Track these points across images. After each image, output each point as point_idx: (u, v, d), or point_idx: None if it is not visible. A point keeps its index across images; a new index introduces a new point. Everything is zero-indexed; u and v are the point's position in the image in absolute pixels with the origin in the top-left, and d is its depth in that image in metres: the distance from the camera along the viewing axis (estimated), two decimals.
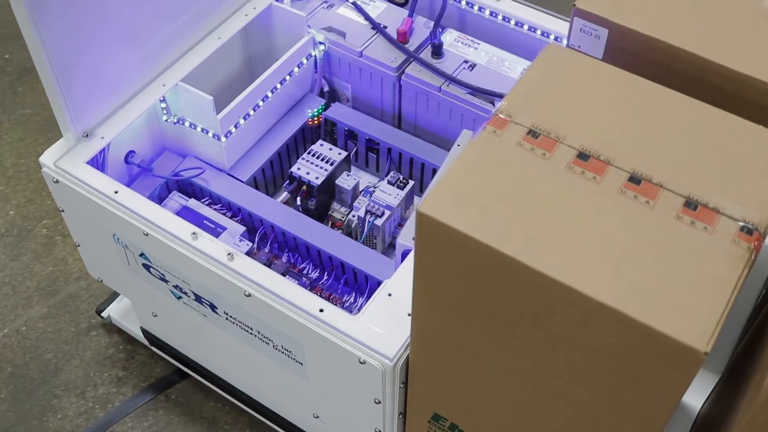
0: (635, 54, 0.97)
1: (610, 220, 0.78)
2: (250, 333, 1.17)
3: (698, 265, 0.75)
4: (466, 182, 0.81)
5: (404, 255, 1.14)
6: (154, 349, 1.51)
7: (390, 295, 1.06)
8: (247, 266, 1.09)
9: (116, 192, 1.17)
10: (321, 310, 1.04)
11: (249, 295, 1.08)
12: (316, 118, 1.47)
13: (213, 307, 1.19)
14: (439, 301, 0.88)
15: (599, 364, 0.79)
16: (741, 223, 0.77)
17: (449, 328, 0.90)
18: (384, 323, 1.03)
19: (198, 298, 1.20)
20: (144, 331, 1.49)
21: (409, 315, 1.03)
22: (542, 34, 1.37)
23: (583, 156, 0.82)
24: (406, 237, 1.15)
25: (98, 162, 1.24)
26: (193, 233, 1.12)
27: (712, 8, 0.97)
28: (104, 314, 1.58)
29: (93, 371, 1.58)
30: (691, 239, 0.76)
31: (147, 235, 1.15)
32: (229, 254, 1.10)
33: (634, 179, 0.81)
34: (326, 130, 1.49)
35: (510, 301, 0.81)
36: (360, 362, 1.02)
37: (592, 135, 0.84)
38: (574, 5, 0.98)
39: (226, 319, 1.19)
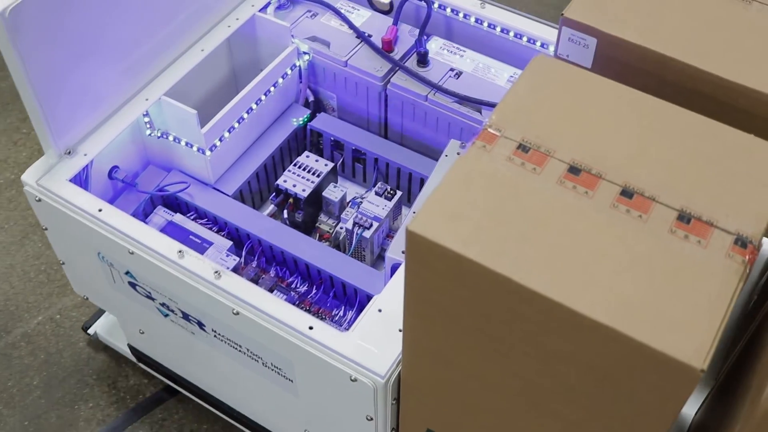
0: (625, 63, 0.96)
1: (603, 236, 0.77)
2: (239, 350, 1.15)
3: (693, 281, 0.74)
4: (457, 199, 0.79)
5: (394, 269, 1.13)
6: (141, 365, 1.49)
7: (380, 310, 1.04)
8: (235, 284, 1.07)
9: (100, 210, 1.15)
10: (311, 328, 1.03)
11: (237, 314, 1.07)
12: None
13: (201, 325, 1.17)
14: (431, 319, 0.86)
15: (594, 381, 0.78)
16: (735, 236, 0.76)
17: (441, 345, 0.89)
18: (375, 340, 1.02)
19: (185, 316, 1.18)
20: (131, 348, 1.47)
21: (400, 330, 1.01)
22: (528, 40, 1.36)
23: (574, 170, 0.81)
24: (395, 250, 1.14)
25: (81, 179, 1.22)
26: (180, 251, 1.10)
27: (703, 16, 0.96)
28: (90, 331, 1.56)
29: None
30: (685, 254, 0.75)
31: (132, 253, 1.13)
32: (216, 272, 1.08)
33: (627, 193, 0.79)
34: (312, 141, 1.47)
35: (503, 319, 0.79)
36: (351, 380, 1.00)
37: (582, 148, 0.83)
38: (562, 14, 0.97)
39: (215, 336, 1.17)
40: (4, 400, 1.55)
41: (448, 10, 1.42)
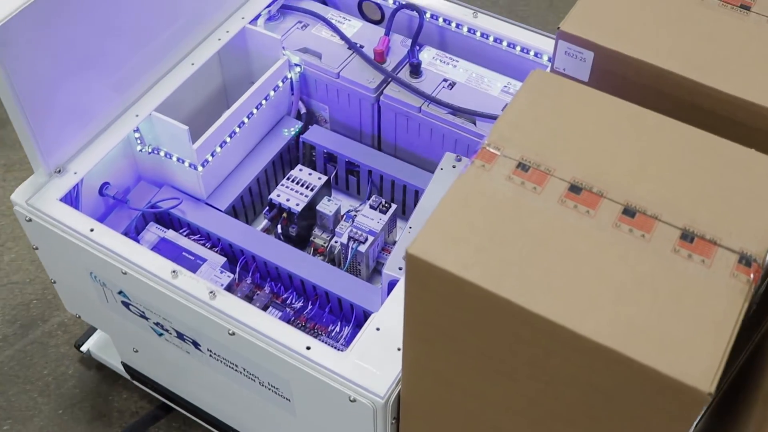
0: (623, 77, 0.95)
1: (606, 256, 0.76)
2: (235, 370, 1.14)
3: (698, 301, 0.73)
4: (457, 221, 0.78)
5: (391, 285, 1.12)
6: (136, 383, 1.47)
7: (378, 329, 1.03)
8: (230, 304, 1.06)
9: (92, 230, 1.14)
10: (308, 348, 1.02)
11: (233, 334, 1.05)
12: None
13: (196, 345, 1.16)
14: (432, 342, 0.85)
15: (599, 404, 0.77)
16: (739, 254, 0.75)
17: (442, 367, 0.87)
18: (373, 359, 1.00)
19: (180, 336, 1.17)
20: (125, 366, 1.45)
21: (398, 349, 1.00)
22: (522, 50, 1.35)
23: (575, 189, 0.80)
24: (392, 267, 1.13)
25: (72, 198, 1.21)
26: (173, 271, 1.09)
27: (700, 28, 0.95)
28: (83, 348, 1.54)
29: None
30: (689, 273, 0.74)
31: (125, 273, 1.11)
32: (211, 292, 1.06)
33: (629, 212, 0.78)
34: (305, 154, 1.45)
35: (506, 342, 0.78)
36: (350, 400, 0.99)
37: (583, 166, 0.82)
38: (559, 28, 0.96)
39: (210, 356, 1.15)
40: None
41: (441, 19, 1.40)
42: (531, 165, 0.82)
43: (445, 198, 0.80)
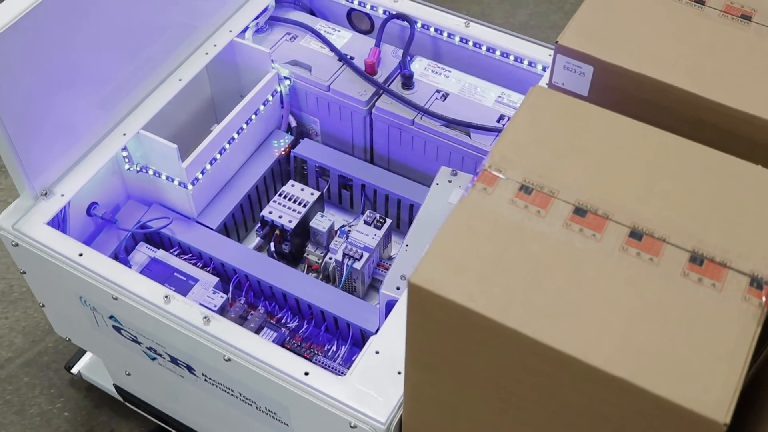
0: (623, 91, 0.93)
1: (614, 282, 0.74)
2: (231, 394, 1.11)
3: (709, 327, 0.71)
4: (460, 248, 0.76)
5: (389, 305, 1.09)
6: (129, 405, 1.44)
7: (377, 352, 1.01)
8: (225, 330, 1.03)
9: (81, 255, 1.11)
10: (306, 374, 0.99)
11: (229, 360, 1.02)
12: (284, 149, 1.41)
13: (190, 369, 1.13)
14: (435, 369, 0.83)
15: None
16: (750, 277, 0.73)
17: (446, 394, 0.85)
18: (373, 384, 0.98)
19: (174, 360, 1.14)
20: (117, 388, 1.42)
21: (399, 373, 0.98)
22: (516, 59, 1.33)
23: (579, 212, 0.78)
24: (389, 287, 1.10)
25: (59, 221, 1.18)
26: (166, 296, 1.06)
27: (701, 40, 0.93)
28: (74, 370, 1.50)
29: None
30: (699, 298, 0.72)
31: (116, 299, 1.08)
32: (205, 317, 1.04)
33: (635, 234, 0.76)
34: (296, 168, 1.43)
35: (512, 371, 0.76)
36: (351, 426, 0.97)
37: (587, 187, 0.80)
38: (557, 42, 0.94)
39: (205, 380, 1.13)
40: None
41: (432, 29, 1.38)
42: (534, 187, 0.80)
43: (446, 223, 0.78)
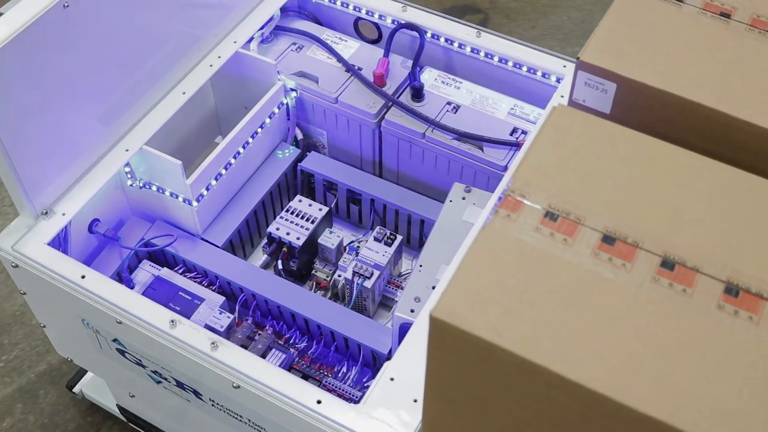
0: (647, 109, 0.89)
1: (646, 315, 0.70)
2: (240, 420, 1.08)
3: (748, 363, 0.67)
4: (483, 279, 0.72)
5: (403, 329, 1.06)
6: (132, 426, 1.41)
7: (392, 379, 0.97)
8: (234, 355, 1.00)
9: (83, 277, 1.07)
10: (319, 402, 0.96)
11: (238, 387, 0.99)
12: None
13: (197, 394, 1.10)
14: (456, 405, 0.79)
15: None
16: None
17: (467, 429, 0.81)
18: (388, 412, 0.94)
19: (180, 385, 1.11)
20: (121, 409, 1.38)
21: (415, 401, 0.95)
22: (529, 70, 1.29)
23: (608, 239, 0.74)
24: (403, 309, 1.07)
25: (60, 240, 1.14)
26: (172, 321, 1.02)
27: (729, 55, 0.89)
28: (76, 389, 1.47)
29: None
30: (736, 332, 0.69)
31: (120, 323, 1.05)
32: (213, 343, 1.00)
33: (667, 264, 0.73)
34: (303, 182, 1.39)
35: (539, 408, 0.72)
36: None
37: (615, 213, 0.76)
38: (578, 58, 0.90)
39: (213, 405, 1.09)
40: None
41: (442, 39, 1.35)
42: (560, 213, 0.76)
43: (469, 253, 0.74)
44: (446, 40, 1.34)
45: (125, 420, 1.41)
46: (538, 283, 0.72)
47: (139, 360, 1.12)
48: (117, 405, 1.39)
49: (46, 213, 1.14)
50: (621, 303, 0.71)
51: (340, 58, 1.36)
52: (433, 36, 1.35)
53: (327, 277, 1.30)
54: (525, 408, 0.74)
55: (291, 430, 1.00)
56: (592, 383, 0.67)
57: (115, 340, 1.12)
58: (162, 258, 1.28)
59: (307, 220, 1.28)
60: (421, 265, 1.10)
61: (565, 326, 0.70)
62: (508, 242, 0.74)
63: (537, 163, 0.80)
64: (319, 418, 0.95)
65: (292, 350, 1.20)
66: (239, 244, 1.33)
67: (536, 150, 0.81)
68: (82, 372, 1.48)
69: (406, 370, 0.98)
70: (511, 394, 0.73)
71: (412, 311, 1.06)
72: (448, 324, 0.70)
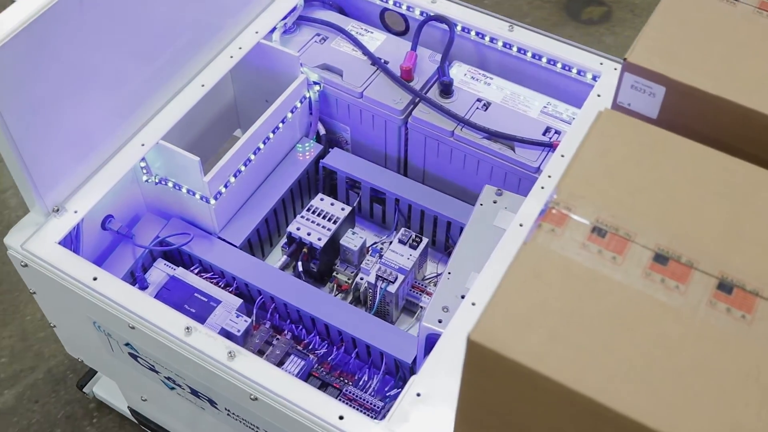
0: (698, 115, 0.83)
1: (703, 343, 0.64)
2: (257, 431, 1.03)
3: None
4: (525, 300, 0.67)
5: (430, 340, 1.00)
6: (144, 428, 1.36)
7: (419, 394, 0.92)
8: (252, 366, 0.95)
9: (95, 278, 1.02)
10: (341, 418, 0.91)
11: (255, 399, 0.94)
12: (307, 153, 1.32)
13: (212, 403, 1.05)
14: (490, 429, 0.74)
15: None
16: None
17: None
18: (414, 430, 0.89)
19: (195, 392, 1.06)
20: (132, 411, 1.34)
21: (443, 419, 0.90)
22: (563, 67, 1.23)
23: (660, 258, 0.69)
24: (431, 319, 1.01)
25: (72, 239, 1.09)
26: (187, 328, 0.97)
27: None
28: (86, 389, 1.42)
29: None
30: None
31: (133, 328, 1.00)
32: (230, 352, 0.95)
33: (724, 286, 0.67)
34: (325, 179, 1.34)
35: None
36: None
37: (667, 229, 0.70)
38: (625, 59, 0.84)
39: (228, 415, 1.04)
40: None
41: (473, 33, 1.29)
42: (608, 229, 0.70)
43: (509, 271, 0.68)
44: (477, 33, 1.28)
45: (137, 422, 1.36)
46: (585, 305, 0.67)
47: (152, 365, 1.08)
48: (128, 407, 1.34)
49: (57, 210, 1.09)
50: (676, 329, 0.65)
51: (365, 51, 1.30)
52: (463, 29, 1.29)
53: (348, 279, 1.25)
54: None
55: None
56: (644, 418, 0.61)
57: (127, 345, 1.07)
58: (177, 257, 1.23)
59: (329, 220, 1.23)
60: (449, 273, 1.05)
61: (615, 354, 0.64)
62: (553, 259, 0.69)
63: (583, 173, 0.74)
64: None
65: (311, 356, 1.15)
66: (258, 244, 1.28)
67: (582, 158, 0.75)
68: (92, 371, 1.44)
69: (434, 386, 0.92)
70: (553, 422, 0.68)
71: (439, 321, 1.01)
72: (486, 348, 0.65)
